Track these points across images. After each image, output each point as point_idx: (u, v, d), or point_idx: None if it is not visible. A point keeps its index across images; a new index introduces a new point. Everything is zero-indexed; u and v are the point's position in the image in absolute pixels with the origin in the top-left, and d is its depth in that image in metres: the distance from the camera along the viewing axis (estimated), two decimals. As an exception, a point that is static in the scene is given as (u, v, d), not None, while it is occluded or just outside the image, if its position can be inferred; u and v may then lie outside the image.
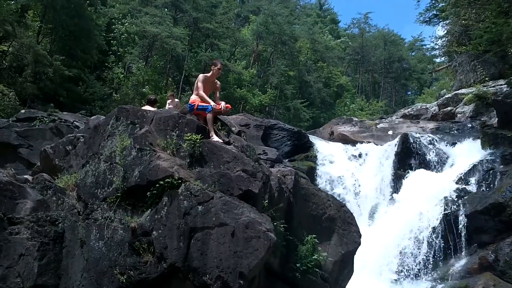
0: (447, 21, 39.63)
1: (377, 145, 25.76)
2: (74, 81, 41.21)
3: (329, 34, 78.91)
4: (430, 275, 16.62)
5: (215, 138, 10.10)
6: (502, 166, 18.98)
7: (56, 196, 10.48)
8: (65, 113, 28.46)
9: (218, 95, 11.63)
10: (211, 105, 10.51)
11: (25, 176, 14.68)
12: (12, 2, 36.53)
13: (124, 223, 9.24)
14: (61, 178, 11.35)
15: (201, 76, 11.29)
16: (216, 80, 11.63)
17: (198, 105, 10.70)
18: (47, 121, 25.15)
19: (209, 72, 11.60)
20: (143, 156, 9.60)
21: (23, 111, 27.30)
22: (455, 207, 17.61)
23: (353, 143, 27.42)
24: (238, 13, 70.08)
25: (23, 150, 24.00)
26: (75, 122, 25.61)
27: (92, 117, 24.77)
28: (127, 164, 9.74)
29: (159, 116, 10.58)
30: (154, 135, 10.17)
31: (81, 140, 13.01)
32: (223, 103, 10.96)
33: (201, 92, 10.88)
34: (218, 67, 11.43)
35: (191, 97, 11.23)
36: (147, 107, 15.32)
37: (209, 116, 10.41)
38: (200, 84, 10.99)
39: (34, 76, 37.47)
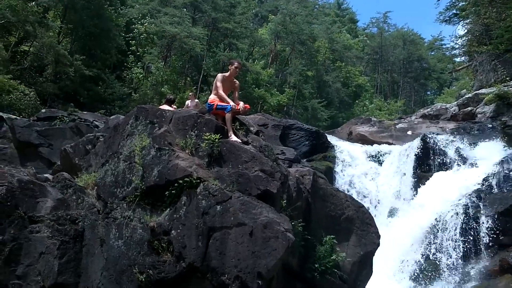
0: (468, 20, 39.34)
1: (396, 145, 25.59)
2: (94, 81, 41.54)
3: (347, 33, 78.56)
4: (450, 277, 16.47)
5: (233, 137, 10.11)
6: (523, 167, 18.78)
7: (76, 195, 10.56)
8: (85, 112, 28.62)
9: (236, 94, 11.63)
10: (230, 105, 10.52)
11: (45, 175, 14.80)
12: (33, 3, 36.81)
13: (143, 222, 9.29)
14: (81, 177, 11.43)
15: (219, 75, 11.32)
16: (235, 80, 11.64)
17: (217, 104, 10.71)
18: (67, 120, 25.31)
19: (227, 72, 11.59)
20: (162, 156, 9.63)
21: (43, 110, 27.49)
22: (475, 208, 17.44)
23: (372, 143, 27.29)
24: (256, 13, 70.18)
25: (43, 149, 24.18)
26: (94, 122, 25.74)
27: (111, 117, 24.90)
28: (146, 163, 9.78)
29: (178, 116, 10.62)
30: (173, 135, 10.20)
31: (101, 139, 13.08)
32: (241, 103, 10.95)
33: (220, 92, 10.90)
34: (235, 66, 11.42)
35: (210, 96, 11.25)
36: (165, 107, 15.39)
37: (228, 115, 10.42)
38: (218, 84, 11.02)
39: (55, 76, 37.85)
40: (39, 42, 36.92)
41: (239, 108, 10.69)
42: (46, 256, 9.42)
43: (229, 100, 10.75)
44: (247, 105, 11.30)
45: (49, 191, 10.32)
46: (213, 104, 10.80)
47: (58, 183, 10.92)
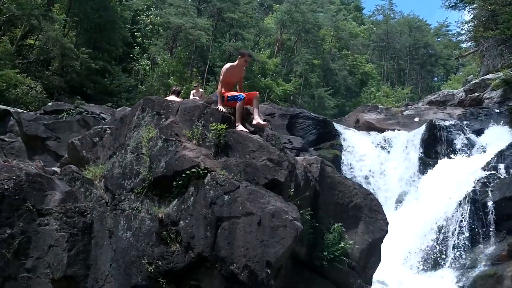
0: (473, 6, 39.00)
1: (403, 132, 25.53)
2: (100, 73, 41.62)
3: (353, 21, 78.27)
4: (458, 262, 16.46)
5: (240, 127, 10.08)
6: (531, 152, 18.72)
7: (84, 187, 10.60)
8: (92, 105, 28.69)
9: (241, 84, 11.60)
10: (242, 94, 10.48)
11: (53, 168, 14.89)
12: (38, -4, 36.95)
13: (151, 213, 9.31)
14: (88, 169, 11.44)
15: (225, 66, 11.20)
16: (241, 70, 11.45)
17: (228, 96, 10.64)
18: (74, 113, 25.37)
19: (235, 62, 11.40)
20: (169, 147, 9.63)
21: (50, 103, 27.57)
22: (483, 193, 17.37)
23: (379, 130, 27.24)
24: (261, 2, 70.05)
25: (51, 142, 24.28)
26: (101, 114, 25.81)
27: (118, 109, 24.94)
28: (154, 154, 9.79)
29: (185, 107, 10.62)
30: (180, 126, 10.20)
31: (108, 131, 13.12)
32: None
33: (219, 87, 10.93)
34: (245, 58, 11.19)
35: (219, 88, 11.05)
36: (172, 97, 15.40)
37: (239, 105, 10.33)
38: (221, 77, 10.98)
39: (61, 69, 37.98)
40: (44, 36, 37.02)
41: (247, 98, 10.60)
42: (55, 248, 9.46)
43: (223, 92, 10.69)
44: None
45: (57, 184, 10.36)
46: (224, 96, 10.68)
47: (65, 176, 10.96)
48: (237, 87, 11.42)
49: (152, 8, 48.61)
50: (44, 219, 9.69)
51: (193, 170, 9.07)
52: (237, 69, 11.24)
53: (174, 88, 18.27)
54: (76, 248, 9.58)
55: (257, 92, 10.93)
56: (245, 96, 10.46)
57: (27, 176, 9.95)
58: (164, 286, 8.71)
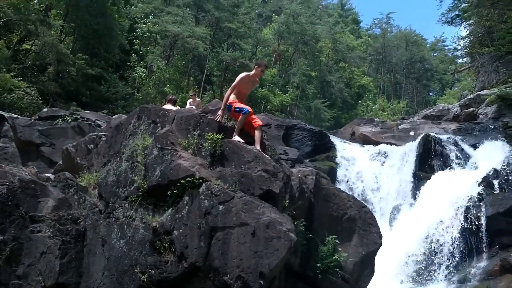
0: (470, 22, 39.41)
1: (398, 146, 25.61)
2: (97, 80, 41.58)
3: (350, 34, 78.64)
4: (450, 276, 16.48)
5: (237, 138, 10.05)
6: (525, 168, 18.80)
7: (77, 194, 10.54)
8: (87, 112, 28.68)
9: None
10: (247, 108, 10.38)
11: (47, 174, 14.82)
12: (35, 1, 36.88)
13: (145, 222, 9.26)
14: (82, 176, 11.40)
15: (243, 74, 11.10)
16: (256, 80, 11.45)
17: (235, 107, 10.51)
18: (70, 119, 25.32)
19: (251, 71, 11.29)
20: (165, 155, 9.60)
21: (45, 109, 27.53)
22: (476, 208, 17.44)
23: (375, 143, 27.32)
24: (260, 13, 70.20)
25: (45, 148, 24.20)
26: (97, 121, 25.78)
27: (114, 116, 24.96)
28: (149, 163, 9.75)
29: (181, 116, 10.59)
30: (176, 134, 10.18)
31: (103, 139, 13.08)
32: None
33: (228, 91, 10.78)
34: (262, 68, 11.15)
35: (231, 96, 10.83)
36: (168, 106, 15.38)
37: (243, 117, 10.28)
38: (235, 83, 10.86)
39: (57, 75, 37.95)
40: (41, 41, 36.99)
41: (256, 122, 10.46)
42: (47, 256, 9.39)
43: (223, 108, 10.53)
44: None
45: (51, 190, 10.30)
46: (232, 105, 10.58)
47: (59, 183, 10.91)
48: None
49: (150, 16, 48.63)
50: (36, 226, 9.62)
51: (188, 179, 9.03)
52: (253, 79, 11.21)
53: (170, 97, 18.24)
54: (69, 256, 9.51)
55: (261, 124, 10.70)
56: (250, 111, 10.39)
57: (21, 182, 9.89)
58: (156, 295, 8.68)
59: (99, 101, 40.57)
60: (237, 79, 10.94)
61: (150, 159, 9.77)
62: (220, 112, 10.44)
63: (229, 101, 10.63)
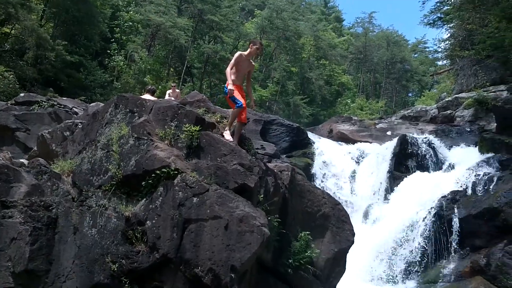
0: (451, 25, 39.66)
1: (375, 145, 25.77)
2: (75, 67, 41.24)
3: (332, 32, 78.87)
4: (421, 276, 16.63)
5: (227, 135, 9.96)
6: (498, 172, 19.00)
7: (51, 181, 10.41)
8: (65, 98, 28.44)
9: (250, 76, 11.26)
10: (241, 102, 10.14)
11: (21, 160, 14.65)
12: (16, -15, 36.40)
13: (118, 211, 9.20)
14: (57, 163, 11.28)
15: (238, 53, 10.70)
16: (252, 61, 11.09)
17: (233, 96, 10.15)
18: (46, 105, 25.10)
19: (246, 50, 10.90)
20: (141, 145, 9.55)
21: (22, 94, 27.27)
22: (449, 210, 17.59)
23: (352, 142, 27.46)
24: (243, 7, 70.12)
25: (20, 133, 23.97)
26: (74, 108, 25.58)
27: (91, 104, 24.75)
28: (124, 152, 9.69)
29: (159, 106, 10.54)
30: (153, 125, 10.13)
31: (79, 126, 12.95)
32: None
33: (228, 69, 10.36)
34: (257, 46, 10.67)
35: (232, 77, 10.42)
36: (147, 96, 15.31)
37: (235, 111, 10.18)
38: (232, 61, 10.47)
39: (35, 60, 37.53)
40: (21, 25, 36.54)
41: (254, 107, 10.34)
42: (18, 242, 9.27)
43: (230, 83, 10.21)
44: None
45: (24, 176, 10.17)
46: (232, 92, 10.15)
47: (33, 169, 10.76)
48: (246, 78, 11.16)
49: (132, 5, 48.31)
50: (8, 211, 9.49)
51: (164, 170, 9.00)
52: (247, 58, 10.81)
53: (149, 87, 18.17)
54: (39, 243, 9.40)
55: (245, 121, 10.67)
56: (244, 106, 10.22)
57: (-7, 167, 9.77)
58: (127, 285, 8.61)
59: (77, 88, 40.24)
60: (233, 59, 10.53)
61: (126, 148, 9.71)
62: (229, 86, 10.18)
63: (231, 85, 10.22)
